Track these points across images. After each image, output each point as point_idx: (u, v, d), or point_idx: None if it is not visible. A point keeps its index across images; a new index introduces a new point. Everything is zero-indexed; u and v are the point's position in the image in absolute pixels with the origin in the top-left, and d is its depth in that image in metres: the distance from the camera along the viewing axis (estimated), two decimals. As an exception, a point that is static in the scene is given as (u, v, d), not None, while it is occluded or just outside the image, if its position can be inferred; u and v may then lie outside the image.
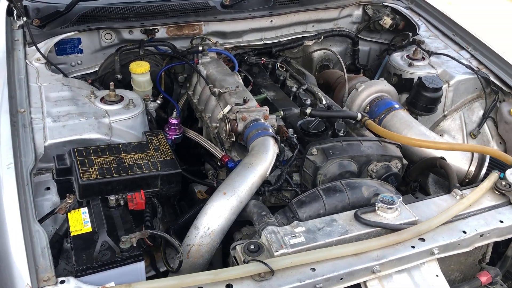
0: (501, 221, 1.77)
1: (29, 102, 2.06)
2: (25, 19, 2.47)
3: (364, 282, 1.58)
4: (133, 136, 2.08)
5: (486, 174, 2.12)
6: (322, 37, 3.09)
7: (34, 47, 2.38)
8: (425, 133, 2.28)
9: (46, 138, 1.89)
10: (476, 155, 2.21)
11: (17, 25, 2.54)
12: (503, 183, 1.88)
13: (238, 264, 1.52)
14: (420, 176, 2.40)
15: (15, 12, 2.56)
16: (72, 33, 2.52)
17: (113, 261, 1.46)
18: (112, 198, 1.71)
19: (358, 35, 3.25)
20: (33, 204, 1.61)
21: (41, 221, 1.66)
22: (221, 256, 1.97)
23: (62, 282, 1.39)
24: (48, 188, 1.87)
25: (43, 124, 1.96)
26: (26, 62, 2.32)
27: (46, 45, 2.44)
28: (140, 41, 2.64)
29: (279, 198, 2.03)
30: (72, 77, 2.50)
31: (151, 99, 2.42)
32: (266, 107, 2.19)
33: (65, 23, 2.53)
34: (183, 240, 1.73)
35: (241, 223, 1.93)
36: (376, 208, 1.69)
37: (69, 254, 1.69)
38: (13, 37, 2.47)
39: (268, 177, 1.93)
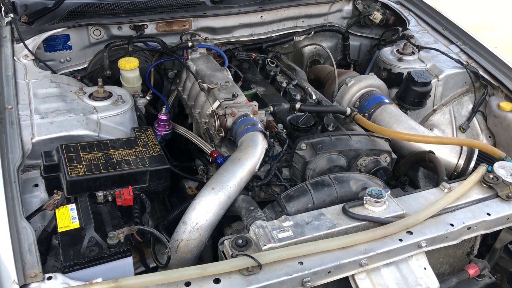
0: (488, 214, 1.78)
1: (17, 99, 2.05)
2: (12, 15, 2.46)
3: (352, 276, 1.59)
4: (122, 132, 2.08)
5: (475, 168, 2.13)
6: (313, 32, 3.09)
7: (22, 43, 2.37)
8: (414, 127, 2.29)
9: (34, 135, 1.88)
10: (465, 149, 2.22)
11: (5, 22, 2.53)
12: (491, 176, 1.89)
13: (226, 259, 1.52)
14: (410, 170, 2.41)
15: (2, 9, 2.54)
16: (60, 29, 2.51)
17: (100, 257, 1.46)
18: (100, 194, 1.71)
19: (349, 30, 3.25)
20: (20, 201, 1.60)
21: (28, 218, 1.66)
22: (211, 252, 1.97)
23: (49, 278, 1.39)
24: (36, 185, 1.86)
25: (31, 120, 1.95)
26: (14, 59, 2.31)
27: (34, 41, 2.43)
28: (129, 37, 2.62)
29: (268, 193, 2.03)
30: (61, 74, 2.49)
31: (140, 95, 2.42)
32: (255, 102, 2.19)
33: (54, 19, 2.53)
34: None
35: (232, 219, 1.93)
36: (364, 201, 1.69)
37: (57, 250, 1.69)
38: (0, 34, 2.46)
39: (257, 172, 1.93)
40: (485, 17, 7.81)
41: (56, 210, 1.63)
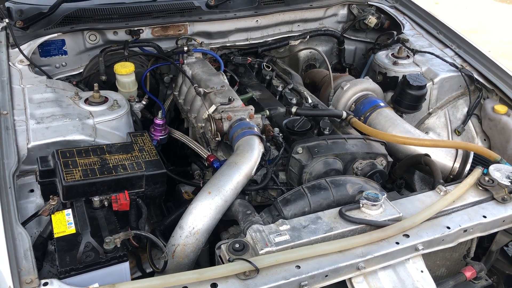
0: (484, 216, 1.78)
1: (12, 104, 2.05)
2: (7, 20, 2.45)
3: (350, 279, 1.59)
4: (118, 137, 2.07)
5: (471, 170, 2.14)
6: (308, 36, 3.10)
7: (17, 49, 2.36)
8: (410, 131, 2.30)
9: (29, 140, 1.87)
10: (460, 152, 2.23)
11: (0, 27, 2.51)
12: (486, 178, 1.90)
13: (223, 263, 1.52)
14: (406, 173, 2.42)
15: (-3, 14, 2.54)
16: (56, 34, 2.51)
17: (96, 262, 1.45)
18: (96, 199, 1.70)
19: (344, 35, 3.27)
20: (15, 207, 1.59)
21: (24, 223, 1.65)
22: (208, 256, 1.97)
23: (45, 284, 1.37)
24: (32, 190, 1.86)
25: (26, 126, 1.94)
26: (9, 64, 2.30)
27: (30, 46, 2.43)
28: (124, 42, 2.62)
29: (265, 197, 2.03)
30: (56, 79, 2.48)
31: (136, 100, 2.42)
32: (251, 107, 2.19)
33: (49, 24, 2.52)
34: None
35: (229, 223, 1.93)
36: (361, 205, 1.69)
37: (53, 256, 1.68)
38: (-5, 39, 2.45)
39: (254, 176, 1.93)
40: (479, 21, 7.87)
41: (52, 216, 1.63)
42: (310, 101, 2.55)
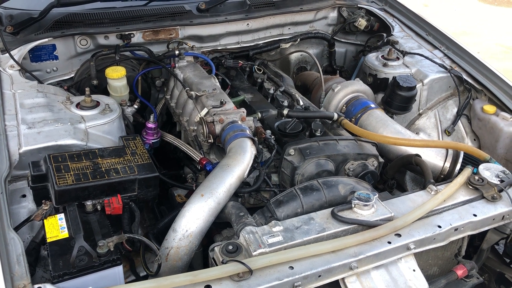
0: (475, 215, 1.80)
1: (3, 110, 2.04)
2: (-2, 26, 2.45)
3: (343, 279, 1.60)
4: (110, 141, 2.07)
5: (461, 170, 2.16)
6: (299, 39, 3.12)
7: (7, 54, 2.35)
8: (400, 131, 2.32)
9: (21, 145, 1.87)
10: (450, 152, 2.25)
11: (-10, 33, 2.50)
12: (476, 178, 1.92)
13: (217, 265, 1.52)
14: (398, 174, 2.44)
15: (-13, 20, 2.53)
16: (46, 39, 2.50)
17: (90, 266, 1.45)
18: (88, 203, 1.70)
19: (334, 37, 3.29)
20: (7, 212, 1.59)
21: (16, 228, 1.64)
22: (201, 259, 1.97)
23: (39, 289, 1.37)
24: (24, 196, 1.85)
25: (18, 131, 1.93)
26: (-1, 70, 2.29)
27: (20, 52, 2.42)
28: (116, 46, 2.62)
29: (258, 199, 2.04)
30: (47, 84, 2.47)
31: (128, 104, 2.41)
32: (243, 109, 2.20)
33: (40, 29, 2.52)
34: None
35: (222, 225, 1.93)
36: (353, 205, 1.71)
37: (46, 261, 1.67)
38: (-14, 45, 2.44)
39: (246, 178, 1.94)
40: (468, 23, 7.95)
41: (45, 220, 1.62)
42: (301, 103, 2.57)
